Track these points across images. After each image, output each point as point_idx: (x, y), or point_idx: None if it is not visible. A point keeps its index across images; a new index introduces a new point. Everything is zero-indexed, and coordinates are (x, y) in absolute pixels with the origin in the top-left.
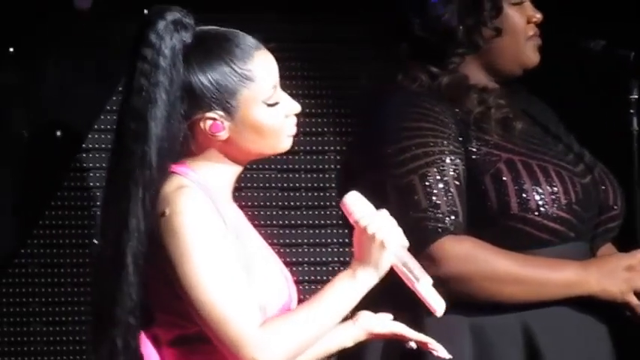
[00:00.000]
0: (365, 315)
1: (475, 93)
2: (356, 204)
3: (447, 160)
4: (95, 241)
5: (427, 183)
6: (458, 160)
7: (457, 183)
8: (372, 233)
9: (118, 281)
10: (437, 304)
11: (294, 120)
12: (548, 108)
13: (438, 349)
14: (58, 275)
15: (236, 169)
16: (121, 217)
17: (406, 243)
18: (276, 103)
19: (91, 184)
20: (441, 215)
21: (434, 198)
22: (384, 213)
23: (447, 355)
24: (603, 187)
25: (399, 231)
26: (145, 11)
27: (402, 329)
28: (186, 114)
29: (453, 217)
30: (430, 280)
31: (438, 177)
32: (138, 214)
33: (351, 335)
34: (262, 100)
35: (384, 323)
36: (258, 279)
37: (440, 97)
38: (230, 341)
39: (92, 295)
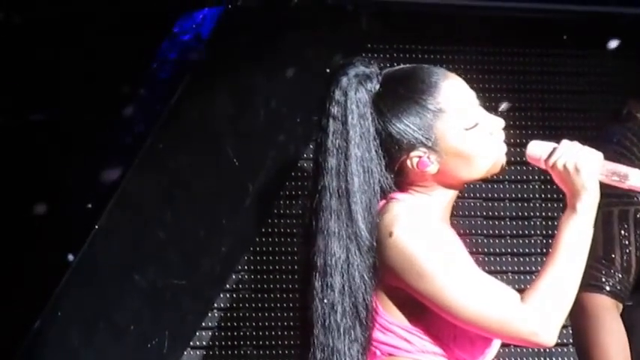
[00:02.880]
0: None
1: None
2: (537, 150)
3: (636, 205)
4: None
5: (610, 226)
6: None
7: None
8: (562, 165)
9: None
10: None
11: (502, 135)
12: None
13: None
14: (269, 300)
15: (452, 195)
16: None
17: (599, 156)
18: (476, 125)
19: (300, 211)
20: (607, 272)
21: (610, 252)
22: (565, 142)
23: None
24: None
25: (586, 149)
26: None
27: None
28: (393, 158)
29: (618, 279)
30: (637, 170)
31: (620, 222)
32: (355, 257)
33: None
34: (460, 127)
35: None
36: None
37: None
38: (501, 325)
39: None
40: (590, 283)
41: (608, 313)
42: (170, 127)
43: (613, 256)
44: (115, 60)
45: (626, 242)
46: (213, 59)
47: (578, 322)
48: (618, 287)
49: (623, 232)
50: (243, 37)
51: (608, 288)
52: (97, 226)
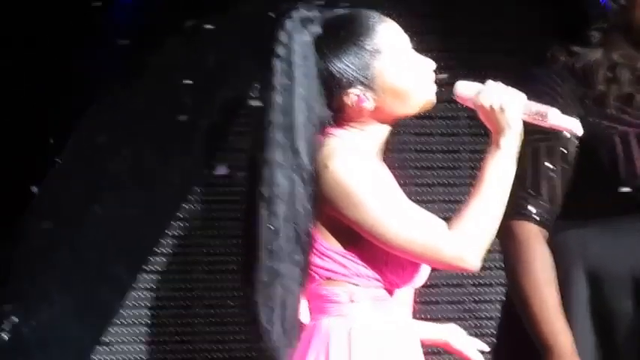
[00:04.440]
0: (456, 329)
1: (602, 71)
2: (464, 90)
3: (558, 141)
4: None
5: (537, 160)
6: (572, 138)
7: (564, 166)
8: (489, 105)
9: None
10: (572, 125)
11: (432, 75)
12: None
13: None
14: (218, 228)
15: (386, 131)
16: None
17: (522, 96)
18: (408, 66)
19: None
20: (534, 202)
21: (537, 183)
22: (490, 83)
23: None
24: None
25: (510, 90)
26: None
27: (477, 359)
28: (332, 95)
29: (544, 208)
30: (555, 110)
31: (547, 157)
32: (298, 187)
33: (434, 334)
34: (394, 67)
35: (466, 345)
36: None
37: (571, 75)
38: (429, 252)
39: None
40: (519, 212)
41: (535, 238)
42: (125, 68)
43: (540, 187)
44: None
45: (552, 175)
46: (165, 6)
47: (509, 247)
48: (545, 216)
49: (549, 165)
50: None
51: (536, 217)
52: (58, 160)
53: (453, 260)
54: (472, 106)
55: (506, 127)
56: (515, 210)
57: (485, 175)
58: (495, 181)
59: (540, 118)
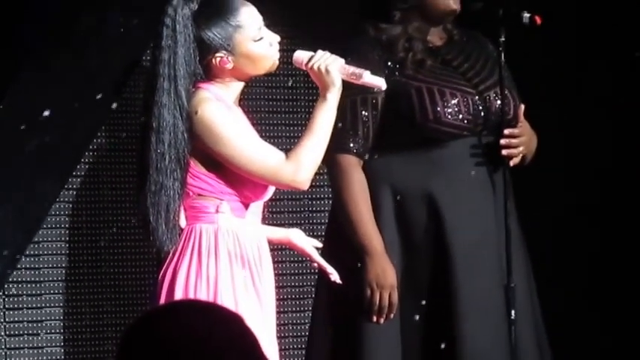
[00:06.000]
0: (297, 231)
1: (401, 41)
2: (300, 56)
3: (372, 92)
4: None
5: (355, 108)
6: (379, 92)
7: (374, 112)
8: (317, 67)
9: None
10: (379, 82)
11: (277, 47)
12: (488, 44)
13: (333, 274)
14: (126, 162)
15: (241, 85)
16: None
17: (341, 61)
18: (261, 39)
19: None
20: (353, 139)
21: (355, 125)
22: (320, 52)
23: (338, 280)
24: (491, 101)
25: (334, 57)
26: None
27: (312, 253)
28: (203, 56)
29: (360, 143)
30: (368, 71)
31: (362, 106)
32: (178, 122)
33: (279, 235)
34: (250, 38)
35: (305, 243)
36: None
37: (379, 45)
38: (272, 175)
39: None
40: (342, 147)
41: (355, 167)
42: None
43: (357, 128)
44: None
45: (366, 119)
46: None
47: (335, 173)
48: (361, 150)
49: (364, 112)
50: None
51: (354, 150)
52: None
53: (289, 182)
54: (306, 69)
55: (330, 84)
56: (339, 146)
57: (314, 119)
58: (320, 123)
59: (355, 78)
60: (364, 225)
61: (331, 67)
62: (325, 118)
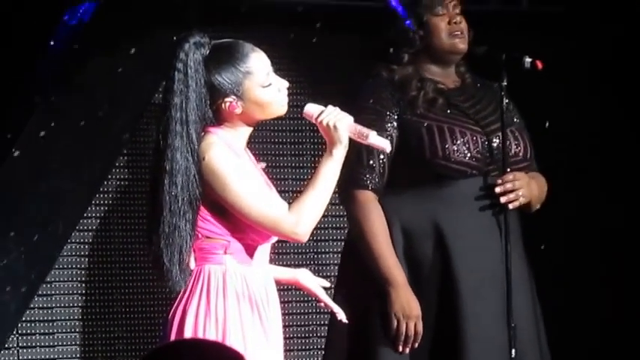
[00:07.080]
0: (305, 271)
1: (414, 81)
2: (310, 110)
3: (386, 130)
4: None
5: (370, 146)
6: (392, 130)
7: (389, 149)
8: (326, 123)
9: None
10: (385, 144)
11: (285, 92)
12: (491, 87)
13: (340, 313)
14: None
15: (250, 130)
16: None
17: (350, 119)
18: (270, 85)
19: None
20: (370, 176)
21: (371, 162)
22: (330, 108)
23: (345, 320)
24: (499, 141)
25: (344, 114)
26: (175, 38)
27: (319, 293)
28: (213, 100)
29: (377, 179)
30: (374, 132)
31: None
32: (190, 165)
33: (287, 276)
34: (259, 84)
35: (312, 283)
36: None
37: (391, 85)
38: (272, 225)
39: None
40: (359, 183)
41: (372, 202)
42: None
43: (373, 164)
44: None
45: (382, 155)
46: (95, 35)
47: (352, 210)
48: (378, 186)
49: (376, 151)
50: (115, 23)
51: (372, 186)
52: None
53: (287, 233)
54: (315, 123)
55: (337, 141)
56: (355, 182)
57: (319, 173)
58: (324, 178)
59: (362, 137)
60: (386, 258)
61: (339, 124)
62: (330, 173)
